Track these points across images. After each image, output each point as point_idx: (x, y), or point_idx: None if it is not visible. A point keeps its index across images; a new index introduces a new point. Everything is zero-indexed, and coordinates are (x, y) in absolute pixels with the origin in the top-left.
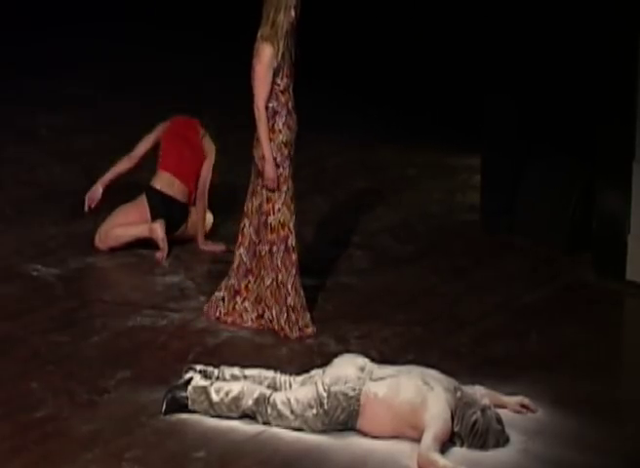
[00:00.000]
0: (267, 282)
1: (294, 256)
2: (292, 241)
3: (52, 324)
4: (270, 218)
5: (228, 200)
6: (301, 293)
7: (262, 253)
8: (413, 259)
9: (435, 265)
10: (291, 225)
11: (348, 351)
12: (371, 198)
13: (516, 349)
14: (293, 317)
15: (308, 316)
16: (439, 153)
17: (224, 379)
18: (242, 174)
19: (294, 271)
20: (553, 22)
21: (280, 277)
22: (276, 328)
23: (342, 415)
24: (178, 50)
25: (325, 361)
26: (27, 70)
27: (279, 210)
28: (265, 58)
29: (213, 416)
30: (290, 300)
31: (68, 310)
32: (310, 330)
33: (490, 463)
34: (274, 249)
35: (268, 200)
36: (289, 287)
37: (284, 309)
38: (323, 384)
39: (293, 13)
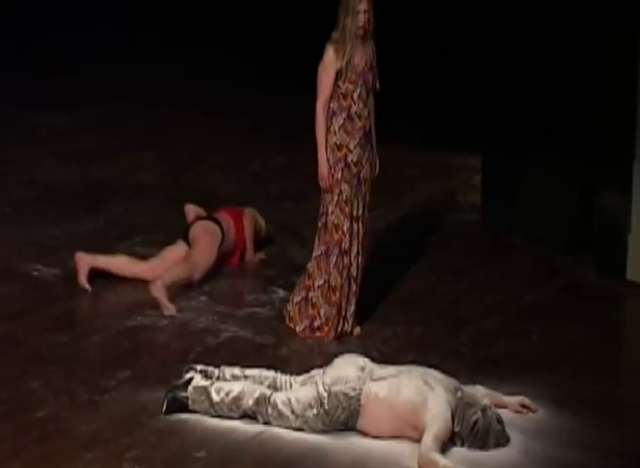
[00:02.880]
0: (319, 282)
1: (346, 260)
2: (345, 245)
3: (52, 324)
4: (327, 219)
5: (227, 202)
6: (351, 299)
7: (318, 253)
8: (413, 259)
9: (435, 265)
10: (345, 229)
11: (349, 351)
12: (371, 198)
13: (516, 349)
14: (337, 320)
15: (349, 322)
16: (439, 153)
17: (225, 379)
18: (240, 173)
19: (345, 275)
20: (553, 22)
21: (332, 280)
22: (320, 329)
23: (343, 415)
24: (178, 50)
25: (325, 361)
26: (27, 70)
27: (332, 212)
28: (326, 59)
29: (213, 416)
30: (337, 302)
31: (68, 310)
32: (358, 329)
33: (490, 463)
34: (329, 251)
35: (324, 201)
36: (339, 290)
37: (333, 310)
38: (323, 384)
39: (362, 17)
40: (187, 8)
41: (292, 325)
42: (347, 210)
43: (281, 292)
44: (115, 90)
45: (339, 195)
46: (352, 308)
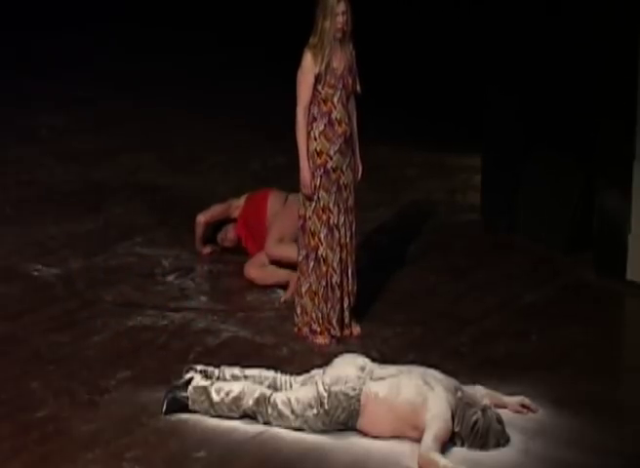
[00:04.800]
0: (305, 287)
1: (324, 268)
2: (322, 252)
3: (52, 324)
4: (305, 224)
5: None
6: (335, 306)
7: (300, 259)
8: (412, 259)
9: (435, 265)
10: (322, 237)
11: (348, 351)
12: (371, 198)
13: (516, 349)
14: (324, 324)
15: (336, 328)
16: (439, 153)
17: (225, 379)
18: (240, 173)
19: (324, 282)
20: (553, 22)
21: (313, 285)
22: (321, 332)
23: (343, 415)
24: (178, 50)
25: (325, 361)
26: (27, 70)
27: (309, 218)
28: (304, 65)
29: (213, 416)
30: (322, 308)
31: (68, 310)
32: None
33: (490, 463)
34: (308, 255)
35: (303, 205)
36: (320, 296)
37: (319, 314)
38: (323, 384)
39: (340, 19)
40: (187, 8)
41: (300, 334)
42: (325, 217)
43: (281, 292)
44: (115, 90)
45: (316, 202)
46: (337, 315)
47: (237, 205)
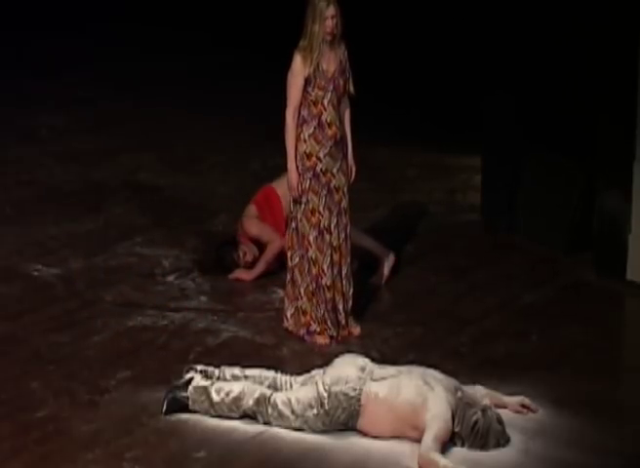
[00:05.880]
0: (303, 288)
1: (314, 271)
2: (312, 254)
3: (52, 324)
4: (297, 225)
5: (227, 202)
6: (328, 306)
7: (297, 260)
8: (413, 259)
9: (435, 265)
10: (311, 239)
11: (349, 351)
12: (371, 198)
13: (516, 349)
14: (322, 324)
15: (331, 329)
16: (439, 153)
17: (225, 379)
18: (240, 173)
19: (314, 285)
20: (553, 22)
21: (310, 286)
22: (320, 332)
23: (343, 415)
24: (178, 50)
25: (325, 361)
26: (27, 70)
27: (300, 220)
28: (293, 67)
29: (213, 416)
30: (319, 309)
31: (68, 310)
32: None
33: (490, 463)
34: (303, 256)
35: (293, 207)
36: (315, 296)
37: (318, 315)
38: (324, 384)
39: (329, 23)
40: (188, 8)
41: (297, 335)
42: (314, 220)
43: (281, 292)
44: (115, 90)
45: (305, 204)
46: (329, 316)
47: (255, 215)
